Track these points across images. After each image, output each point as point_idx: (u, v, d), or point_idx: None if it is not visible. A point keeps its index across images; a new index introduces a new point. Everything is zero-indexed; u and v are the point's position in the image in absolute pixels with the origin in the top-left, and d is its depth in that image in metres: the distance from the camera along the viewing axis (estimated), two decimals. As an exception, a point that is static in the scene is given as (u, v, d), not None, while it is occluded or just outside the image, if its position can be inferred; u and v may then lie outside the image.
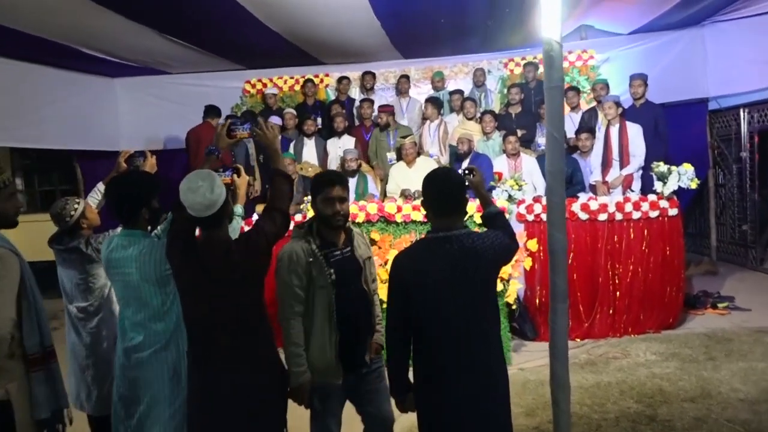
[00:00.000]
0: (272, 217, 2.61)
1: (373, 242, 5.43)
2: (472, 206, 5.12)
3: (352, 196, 6.91)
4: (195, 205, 2.44)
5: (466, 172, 2.74)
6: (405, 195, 6.29)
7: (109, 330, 3.49)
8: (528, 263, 5.53)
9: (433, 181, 2.49)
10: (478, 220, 5.08)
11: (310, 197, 6.15)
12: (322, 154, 7.90)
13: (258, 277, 2.57)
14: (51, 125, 7.82)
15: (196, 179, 2.46)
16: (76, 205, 3.60)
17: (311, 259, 2.74)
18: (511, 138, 6.77)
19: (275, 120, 8.00)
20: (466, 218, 2.82)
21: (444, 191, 2.45)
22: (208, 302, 2.49)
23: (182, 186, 2.46)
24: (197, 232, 2.64)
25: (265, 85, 9.11)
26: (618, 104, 6.66)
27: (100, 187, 3.88)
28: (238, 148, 7.69)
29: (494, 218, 2.68)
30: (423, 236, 2.54)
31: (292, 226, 2.87)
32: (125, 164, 3.72)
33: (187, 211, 2.49)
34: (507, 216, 5.37)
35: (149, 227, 2.97)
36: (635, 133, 6.54)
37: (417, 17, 6.83)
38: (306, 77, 8.92)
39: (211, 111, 8.13)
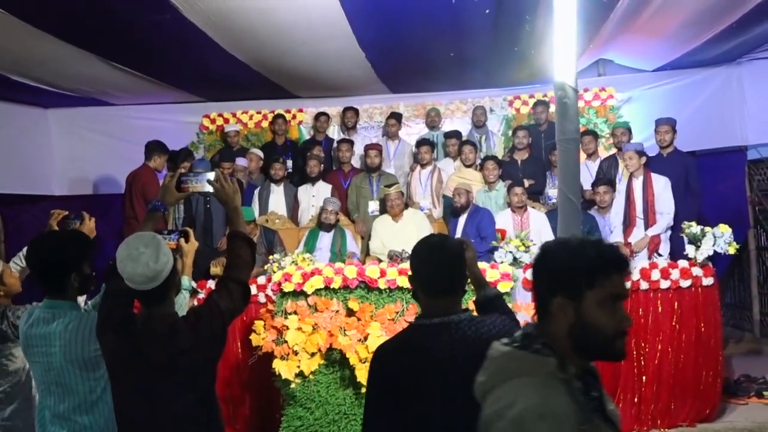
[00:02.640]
0: (229, 289, 2.56)
1: (351, 312, 5.38)
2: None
3: (327, 255, 6.88)
4: (135, 277, 2.38)
5: None
6: (391, 256, 6.26)
7: (25, 423, 3.40)
8: (537, 341, 5.48)
9: (424, 251, 2.35)
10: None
11: (277, 255, 6.17)
12: (292, 204, 7.90)
13: (210, 365, 2.50)
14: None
15: (137, 244, 2.40)
16: (-8, 268, 3.54)
17: (584, 427, 1.62)
18: (518, 189, 6.81)
19: (241, 162, 7.99)
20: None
21: (440, 264, 2.31)
22: (145, 396, 2.41)
23: (120, 252, 2.41)
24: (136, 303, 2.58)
25: (227, 121, 9.15)
26: (641, 153, 6.69)
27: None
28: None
29: (492, 304, 2.56)
30: (411, 323, 2.38)
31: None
32: (58, 228, 3.66)
33: (125, 282, 2.43)
34: (511, 285, 5.39)
35: (80, 296, 2.91)
36: (662, 187, 6.57)
37: (407, 48, 6.95)
38: (276, 112, 9.01)
39: (153, 150, 7.60)
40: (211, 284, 6.10)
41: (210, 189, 2.72)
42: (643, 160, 6.70)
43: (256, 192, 7.86)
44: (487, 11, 6.08)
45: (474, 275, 2.64)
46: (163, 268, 2.42)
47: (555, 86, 2.73)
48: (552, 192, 7.41)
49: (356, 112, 8.86)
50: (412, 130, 9.09)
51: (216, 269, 6.57)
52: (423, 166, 7.95)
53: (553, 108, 8.00)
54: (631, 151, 6.67)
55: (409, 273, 2.41)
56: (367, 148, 7.89)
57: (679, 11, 6.35)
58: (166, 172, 7.42)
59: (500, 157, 7.94)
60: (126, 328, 2.45)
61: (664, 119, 7.09)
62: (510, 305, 5.10)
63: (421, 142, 8.09)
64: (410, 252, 2.44)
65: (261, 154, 8.32)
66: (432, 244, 2.37)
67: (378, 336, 5.14)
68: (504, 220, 6.81)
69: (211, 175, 2.72)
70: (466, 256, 2.49)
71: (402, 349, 2.27)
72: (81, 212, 3.51)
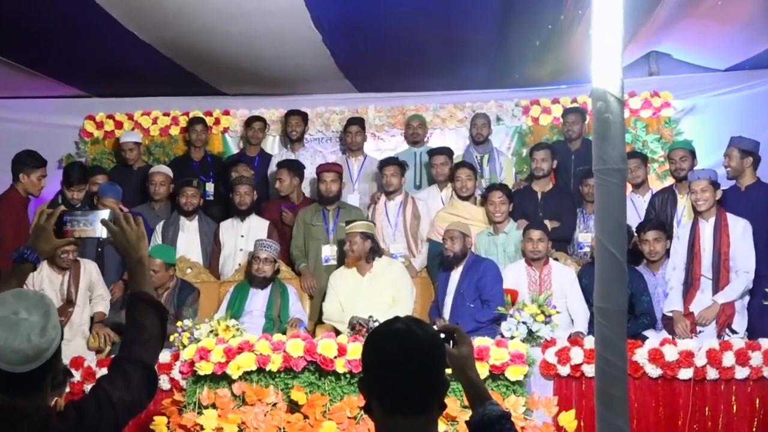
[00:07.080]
0: (126, 374, 2.53)
1: (295, 406, 5.37)
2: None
3: (260, 321, 6.86)
4: (7, 354, 2.29)
5: (442, 336, 2.45)
6: (353, 325, 6.26)
7: None
8: (560, 450, 5.51)
9: (384, 345, 2.20)
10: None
11: (188, 320, 6.12)
12: (211, 246, 7.86)
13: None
14: None
15: (16, 306, 2.33)
16: None
17: None
18: (536, 233, 6.84)
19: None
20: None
21: (406, 366, 2.13)
22: None
23: None
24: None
25: (120, 124, 9.16)
26: (715, 184, 6.62)
27: None
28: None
29: (493, 427, 2.41)
30: None
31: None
32: None
33: None
34: (525, 371, 5.40)
35: None
36: (741, 234, 6.52)
37: (381, 30, 7.02)
38: (191, 115, 9.04)
39: (23, 164, 7.27)
40: (92, 361, 6.03)
41: (105, 234, 2.72)
42: (719, 194, 6.61)
43: (159, 227, 7.74)
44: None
45: (470, 383, 2.49)
46: (49, 345, 2.35)
47: (593, 95, 2.75)
48: (583, 238, 7.44)
49: (304, 117, 8.86)
50: (386, 145, 9.17)
51: (94, 341, 6.46)
52: (389, 194, 7.95)
53: (589, 119, 8.06)
54: (704, 181, 6.54)
55: (360, 375, 2.26)
56: (321, 169, 7.85)
57: (763, -10, 6.47)
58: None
59: (511, 187, 7.94)
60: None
61: (736, 139, 6.91)
62: (523, 400, 5.24)
63: (386, 162, 8.01)
64: (368, 336, 2.28)
65: (170, 173, 8.23)
66: (396, 335, 2.18)
67: (333, 441, 5.14)
68: (516, 276, 6.85)
69: (105, 214, 2.70)
70: (457, 356, 2.42)
71: None
72: None
